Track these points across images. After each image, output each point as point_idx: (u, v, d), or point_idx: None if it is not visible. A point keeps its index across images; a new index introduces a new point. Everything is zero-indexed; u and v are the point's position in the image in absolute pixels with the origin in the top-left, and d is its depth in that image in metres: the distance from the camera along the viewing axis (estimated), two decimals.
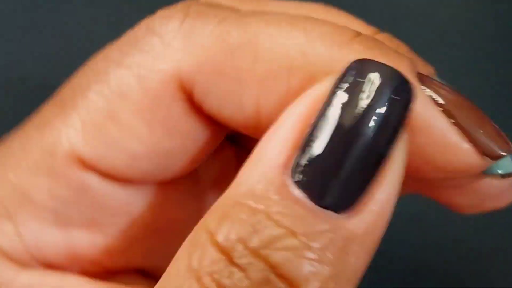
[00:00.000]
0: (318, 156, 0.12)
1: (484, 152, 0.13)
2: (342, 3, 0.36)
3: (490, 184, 0.15)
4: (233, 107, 0.14)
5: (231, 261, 0.12)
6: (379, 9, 0.36)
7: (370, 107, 0.12)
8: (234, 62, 0.14)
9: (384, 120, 0.12)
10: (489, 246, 0.28)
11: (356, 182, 0.12)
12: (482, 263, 0.27)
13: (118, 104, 0.15)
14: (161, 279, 0.13)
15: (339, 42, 0.13)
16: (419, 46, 0.34)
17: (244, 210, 0.12)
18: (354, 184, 0.12)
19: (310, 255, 0.12)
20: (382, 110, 0.12)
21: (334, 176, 0.12)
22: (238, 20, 0.14)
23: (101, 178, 0.16)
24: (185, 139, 0.16)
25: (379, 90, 0.12)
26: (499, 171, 0.14)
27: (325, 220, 0.12)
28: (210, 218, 0.13)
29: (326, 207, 0.12)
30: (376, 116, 0.12)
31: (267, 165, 0.12)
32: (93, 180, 0.16)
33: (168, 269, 0.13)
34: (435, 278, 0.27)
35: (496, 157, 0.13)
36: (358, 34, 0.14)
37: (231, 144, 0.19)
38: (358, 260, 0.12)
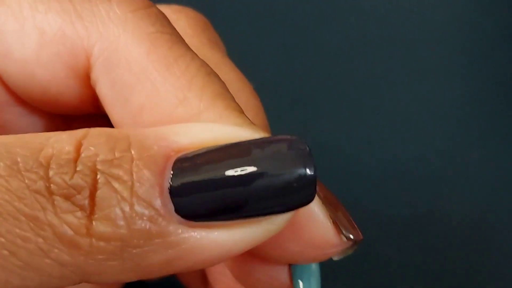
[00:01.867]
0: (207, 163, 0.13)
1: (341, 232, 0.15)
2: (344, 3, 0.36)
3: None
4: (120, 99, 0.15)
5: (74, 160, 0.12)
6: (379, 9, 0.36)
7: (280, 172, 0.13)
8: (147, 68, 0.15)
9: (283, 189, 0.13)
10: (488, 246, 0.28)
11: (215, 208, 0.13)
12: (481, 264, 0.27)
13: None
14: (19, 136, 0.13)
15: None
16: (419, 46, 0.34)
17: (123, 146, 0.13)
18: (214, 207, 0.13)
19: (123, 211, 0.12)
20: (289, 183, 0.13)
21: (204, 187, 0.13)
22: (174, 40, 0.15)
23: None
24: (59, 91, 0.16)
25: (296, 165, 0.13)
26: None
27: (168, 216, 0.13)
28: (94, 134, 0.13)
29: (175, 204, 0.13)
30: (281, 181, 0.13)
31: (173, 137, 0.13)
32: None
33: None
34: (434, 279, 0.27)
35: (347, 239, 0.15)
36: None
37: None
38: (159, 261, 0.13)
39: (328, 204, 0.15)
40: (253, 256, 0.16)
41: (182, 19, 0.16)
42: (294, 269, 0.17)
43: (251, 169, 0.13)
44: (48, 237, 0.12)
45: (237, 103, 0.15)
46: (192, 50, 0.15)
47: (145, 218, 0.13)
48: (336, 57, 0.34)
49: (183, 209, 0.13)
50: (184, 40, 0.16)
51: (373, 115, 0.32)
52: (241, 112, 0.14)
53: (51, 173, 0.12)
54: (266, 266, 0.17)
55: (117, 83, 0.15)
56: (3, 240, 0.12)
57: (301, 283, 0.17)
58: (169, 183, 0.13)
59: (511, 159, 0.30)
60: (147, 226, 0.13)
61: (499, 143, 0.31)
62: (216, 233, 0.13)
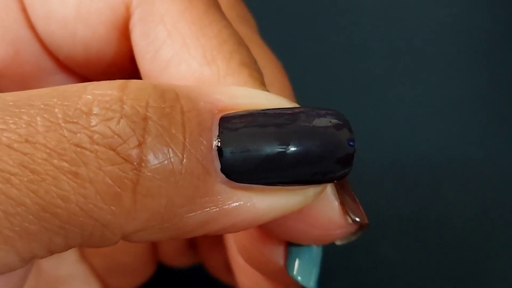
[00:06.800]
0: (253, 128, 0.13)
1: (347, 213, 0.15)
2: (344, 3, 0.36)
3: None
4: (150, 51, 0.15)
5: (120, 100, 0.12)
6: (379, 8, 0.36)
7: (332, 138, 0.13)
8: (181, 25, 0.15)
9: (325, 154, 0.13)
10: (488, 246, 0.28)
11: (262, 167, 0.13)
12: (482, 264, 0.27)
13: None
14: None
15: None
16: (419, 46, 0.34)
17: (171, 95, 0.12)
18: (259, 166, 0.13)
19: (173, 166, 0.12)
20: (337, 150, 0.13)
21: (251, 141, 0.13)
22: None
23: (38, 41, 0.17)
24: (99, 43, 0.16)
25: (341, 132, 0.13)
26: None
27: (214, 174, 0.12)
28: (138, 82, 0.13)
29: (222, 159, 0.12)
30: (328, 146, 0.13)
31: (217, 95, 0.13)
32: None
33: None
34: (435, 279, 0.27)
35: (353, 221, 0.15)
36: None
37: None
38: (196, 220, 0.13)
39: (336, 185, 0.15)
40: (256, 232, 0.16)
41: None
42: (290, 251, 0.16)
43: (294, 135, 0.13)
44: (90, 196, 0.11)
45: (261, 75, 0.15)
46: (227, 19, 0.15)
47: (194, 175, 0.12)
48: (336, 56, 0.34)
49: (227, 168, 0.12)
50: (220, 8, 0.16)
51: (373, 114, 0.32)
52: (263, 83, 0.14)
53: (93, 121, 0.11)
54: (263, 245, 0.16)
55: (149, 35, 0.15)
56: (43, 202, 0.11)
57: (297, 262, 0.16)
58: (217, 141, 0.12)
59: (511, 159, 0.30)
60: (195, 183, 0.12)
61: (499, 143, 0.31)
62: (254, 196, 0.13)
